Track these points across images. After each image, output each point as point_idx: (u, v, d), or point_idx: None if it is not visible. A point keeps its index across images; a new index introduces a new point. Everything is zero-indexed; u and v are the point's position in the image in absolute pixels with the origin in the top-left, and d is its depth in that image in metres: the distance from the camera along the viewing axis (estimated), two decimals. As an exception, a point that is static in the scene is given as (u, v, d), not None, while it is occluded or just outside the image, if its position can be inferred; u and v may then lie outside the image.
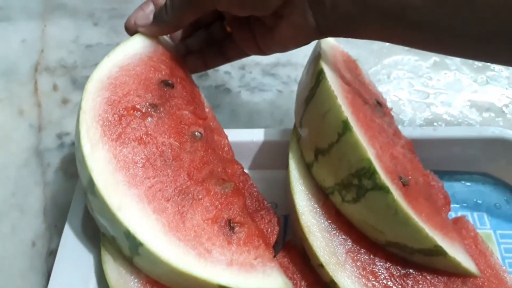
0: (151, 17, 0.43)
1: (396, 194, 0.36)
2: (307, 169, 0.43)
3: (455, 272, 0.39)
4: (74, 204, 0.43)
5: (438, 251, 0.37)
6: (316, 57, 0.43)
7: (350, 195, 0.38)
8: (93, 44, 0.67)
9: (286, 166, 0.44)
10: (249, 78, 0.64)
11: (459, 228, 0.43)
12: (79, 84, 0.62)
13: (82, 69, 0.64)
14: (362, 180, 0.37)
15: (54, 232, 0.48)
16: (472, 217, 0.48)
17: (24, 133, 0.56)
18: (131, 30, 0.44)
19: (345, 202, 0.39)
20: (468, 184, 0.50)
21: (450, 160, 0.49)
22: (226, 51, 0.47)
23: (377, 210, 0.37)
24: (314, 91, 0.41)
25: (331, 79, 0.40)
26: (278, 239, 0.43)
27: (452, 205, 0.46)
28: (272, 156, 0.49)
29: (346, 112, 0.38)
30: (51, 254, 0.46)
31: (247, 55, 0.47)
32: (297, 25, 0.39)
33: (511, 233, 0.46)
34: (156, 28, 0.43)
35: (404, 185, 0.38)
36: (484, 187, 0.50)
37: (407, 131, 0.47)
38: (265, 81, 0.64)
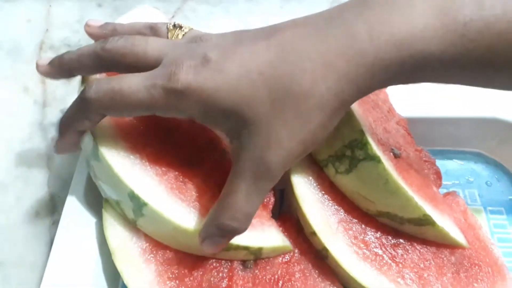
0: None
1: (387, 164, 0.37)
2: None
3: (444, 242, 0.41)
4: (77, 175, 0.45)
5: (427, 221, 0.38)
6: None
7: (343, 166, 0.40)
8: (96, 25, 0.68)
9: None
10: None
11: (449, 202, 0.44)
12: (82, 63, 0.63)
13: (86, 49, 0.65)
14: (354, 151, 0.38)
15: (58, 202, 0.49)
16: (463, 193, 0.49)
17: (28, 109, 0.58)
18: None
19: (338, 174, 0.40)
20: (461, 162, 0.51)
21: (443, 139, 0.50)
22: None
23: (369, 180, 0.38)
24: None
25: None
26: (274, 211, 0.44)
27: (444, 182, 0.46)
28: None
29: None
30: (54, 223, 0.48)
31: None
32: None
33: (501, 209, 0.48)
34: None
35: (395, 157, 0.40)
36: (476, 166, 0.51)
37: (401, 109, 0.48)
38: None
